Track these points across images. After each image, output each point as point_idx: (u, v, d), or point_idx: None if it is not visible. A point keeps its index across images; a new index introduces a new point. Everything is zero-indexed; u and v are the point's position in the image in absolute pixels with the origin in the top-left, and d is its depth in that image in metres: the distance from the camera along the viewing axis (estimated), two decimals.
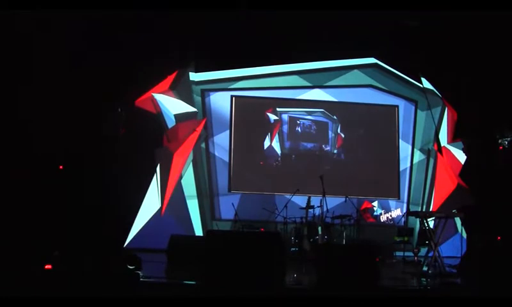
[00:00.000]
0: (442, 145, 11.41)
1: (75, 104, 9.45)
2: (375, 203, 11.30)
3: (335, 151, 11.45)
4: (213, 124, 11.03)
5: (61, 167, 9.07)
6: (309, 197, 9.66)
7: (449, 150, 11.38)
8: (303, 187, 10.14)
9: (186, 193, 10.62)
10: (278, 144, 11.23)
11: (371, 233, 10.01)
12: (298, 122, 11.39)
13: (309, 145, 11.41)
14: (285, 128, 11.33)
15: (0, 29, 8.10)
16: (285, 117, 11.34)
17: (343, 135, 11.48)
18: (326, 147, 11.45)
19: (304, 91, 11.43)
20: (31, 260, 6.20)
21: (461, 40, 10.08)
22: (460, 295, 5.57)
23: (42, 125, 8.92)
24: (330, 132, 11.45)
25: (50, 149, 9.04)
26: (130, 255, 6.62)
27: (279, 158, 11.23)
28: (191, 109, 10.74)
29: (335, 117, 11.47)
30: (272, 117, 11.27)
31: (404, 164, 11.59)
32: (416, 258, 9.25)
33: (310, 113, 11.43)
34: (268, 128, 11.27)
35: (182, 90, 10.75)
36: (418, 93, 11.71)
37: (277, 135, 11.26)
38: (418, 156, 11.66)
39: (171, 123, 10.50)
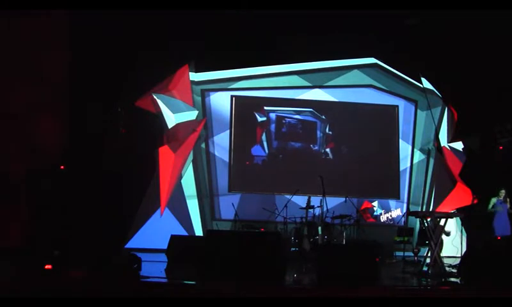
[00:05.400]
0: (442, 145, 11.40)
1: (75, 104, 9.47)
2: (375, 203, 11.30)
3: (323, 151, 11.41)
4: (213, 124, 11.03)
5: (62, 167, 9.07)
6: (309, 197, 9.65)
7: (449, 150, 11.37)
8: (301, 186, 10.13)
9: (186, 193, 10.63)
10: (266, 143, 11.23)
11: (371, 233, 10.00)
12: (285, 121, 11.35)
13: (297, 144, 11.39)
14: (273, 127, 11.30)
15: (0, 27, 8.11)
16: (272, 116, 11.31)
17: (331, 134, 11.44)
18: (314, 146, 11.40)
19: (305, 91, 11.43)
20: (31, 260, 6.21)
21: (461, 40, 10.09)
22: (460, 295, 5.57)
23: (42, 125, 8.93)
24: (319, 132, 11.42)
25: (51, 150, 9.05)
26: (130, 255, 6.64)
27: (266, 158, 11.21)
28: (191, 109, 10.73)
29: (323, 117, 11.45)
30: (260, 116, 11.25)
31: (404, 164, 11.59)
32: (416, 258, 9.24)
33: (299, 113, 11.40)
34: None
35: (182, 90, 10.74)
36: (418, 93, 11.70)
37: (265, 135, 11.23)
38: (418, 156, 11.67)
39: (171, 123, 10.49)
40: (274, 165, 11.21)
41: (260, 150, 11.20)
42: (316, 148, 11.42)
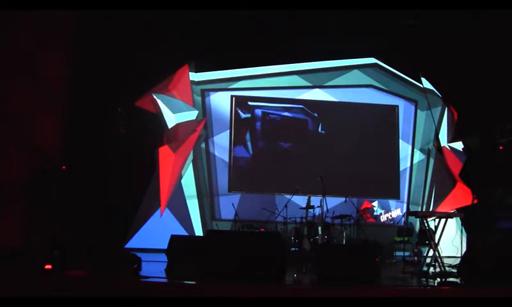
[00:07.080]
0: (442, 145, 11.41)
1: (75, 104, 9.46)
2: (375, 203, 11.30)
3: (314, 151, 11.39)
4: (213, 124, 11.04)
5: (63, 167, 9.07)
6: (309, 197, 9.66)
7: (449, 150, 11.38)
8: (298, 186, 10.14)
9: (186, 193, 10.63)
10: (250, 142, 11.21)
11: (371, 233, 10.00)
12: (273, 118, 11.32)
13: (286, 144, 11.37)
14: (259, 125, 11.29)
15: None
16: (258, 112, 11.27)
17: (323, 133, 11.43)
18: (305, 146, 11.38)
19: (305, 91, 11.44)
20: (31, 260, 6.20)
21: (461, 40, 10.09)
22: (460, 295, 5.57)
23: (42, 125, 8.92)
24: (310, 131, 11.41)
25: (51, 150, 9.04)
26: (130, 255, 6.63)
27: (249, 158, 11.20)
28: (191, 108, 10.73)
29: (315, 114, 11.43)
30: (244, 113, 11.23)
31: (404, 164, 11.60)
32: (416, 258, 9.25)
33: (288, 110, 11.37)
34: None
35: (182, 90, 10.74)
36: (418, 93, 11.71)
37: (249, 134, 11.23)
38: (418, 156, 11.67)
39: (171, 123, 10.49)
40: (268, 164, 11.18)
41: (242, 150, 11.18)
42: (307, 147, 11.39)
